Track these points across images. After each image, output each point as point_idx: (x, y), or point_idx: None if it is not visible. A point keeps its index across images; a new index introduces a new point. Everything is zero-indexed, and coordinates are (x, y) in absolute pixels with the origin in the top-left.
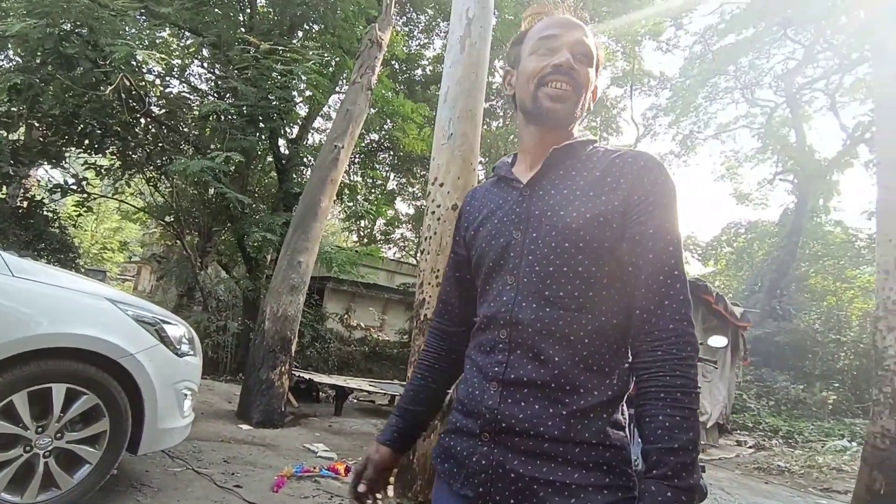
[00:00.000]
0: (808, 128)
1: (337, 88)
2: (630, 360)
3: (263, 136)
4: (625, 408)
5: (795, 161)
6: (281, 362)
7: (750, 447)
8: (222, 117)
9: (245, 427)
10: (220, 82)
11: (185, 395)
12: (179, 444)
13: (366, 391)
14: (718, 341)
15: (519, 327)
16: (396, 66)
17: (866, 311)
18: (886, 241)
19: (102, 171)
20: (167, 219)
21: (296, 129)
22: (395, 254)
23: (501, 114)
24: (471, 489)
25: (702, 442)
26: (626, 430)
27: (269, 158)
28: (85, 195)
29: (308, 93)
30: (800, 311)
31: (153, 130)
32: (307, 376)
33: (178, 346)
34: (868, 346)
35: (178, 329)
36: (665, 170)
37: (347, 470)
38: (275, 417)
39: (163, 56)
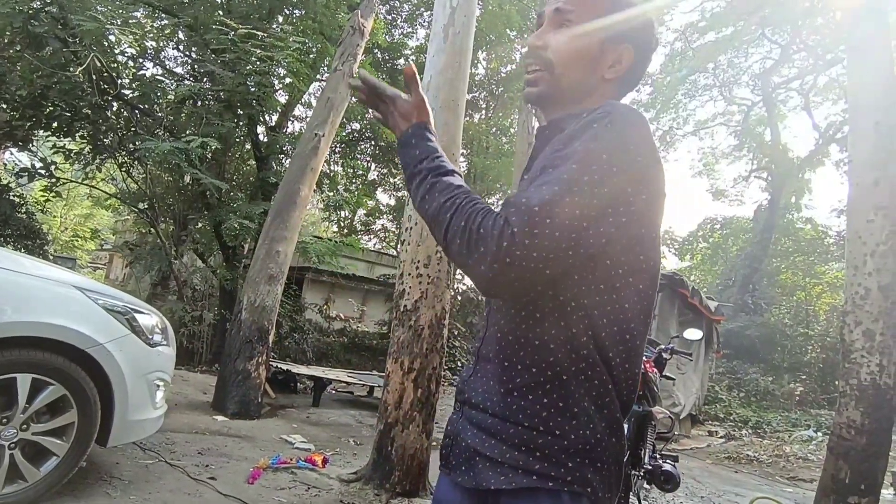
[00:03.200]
0: (783, 126)
1: (318, 76)
2: (598, 346)
3: (241, 123)
4: (597, 408)
5: (770, 159)
6: (258, 353)
7: (721, 437)
8: (199, 102)
9: (220, 418)
10: (196, 66)
11: (158, 385)
12: (152, 435)
13: (344, 382)
14: (694, 334)
15: (494, 305)
16: (379, 55)
17: (833, 305)
18: (856, 237)
19: (72, 155)
20: (140, 206)
21: (275, 117)
22: (375, 244)
23: (484, 106)
24: (441, 452)
25: (675, 432)
26: (602, 425)
27: (248, 146)
28: (53, 180)
29: (288, 80)
30: (771, 305)
31: (125, 114)
32: (285, 367)
33: (150, 336)
34: (834, 339)
35: (150, 318)
36: (610, 119)
37: (325, 461)
38: (251, 408)
39: (134, 32)
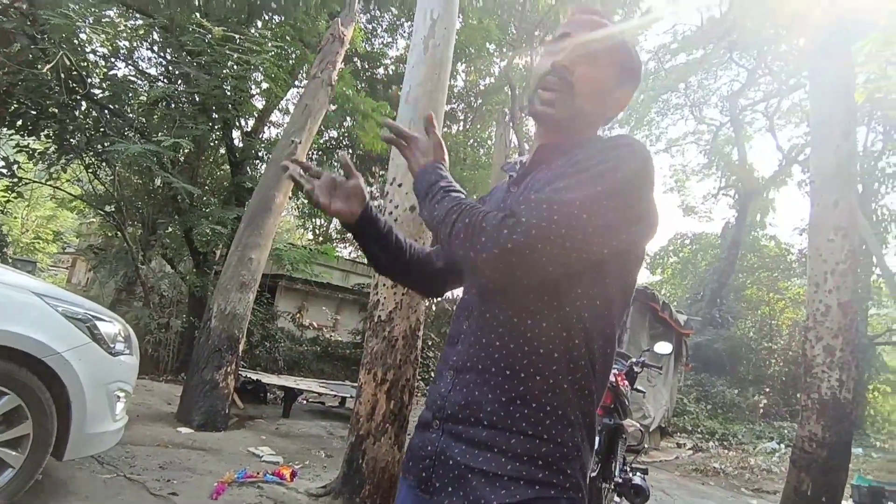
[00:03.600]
0: (749, 147)
1: (296, 82)
2: (591, 357)
3: (216, 127)
4: (582, 415)
5: (737, 178)
6: (227, 362)
7: (689, 449)
8: (172, 104)
9: (185, 430)
10: (171, 67)
11: (118, 396)
12: (111, 448)
13: (316, 392)
14: (664, 348)
15: (476, 315)
16: (358, 64)
17: (795, 320)
18: (817, 255)
19: (36, 154)
20: (107, 208)
21: (251, 122)
22: (350, 253)
23: (462, 118)
24: (414, 476)
25: (645, 445)
26: (584, 433)
27: (222, 150)
28: (15, 180)
29: (265, 85)
30: (737, 319)
31: (94, 114)
32: (255, 377)
33: (111, 345)
34: (796, 353)
35: (112, 326)
36: (632, 148)
37: (293, 475)
38: (218, 420)
39: (107, 31)
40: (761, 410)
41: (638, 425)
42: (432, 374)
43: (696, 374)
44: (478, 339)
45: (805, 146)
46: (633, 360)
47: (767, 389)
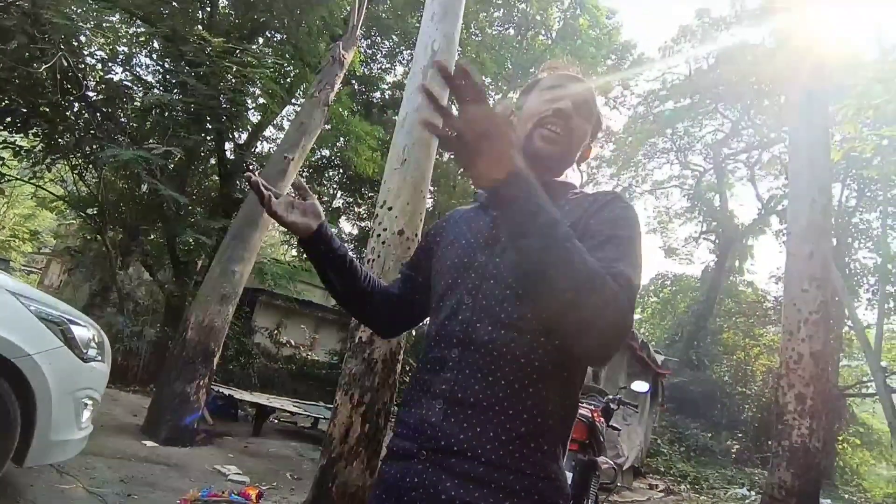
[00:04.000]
0: (731, 194)
1: (293, 100)
2: (577, 396)
3: (209, 137)
4: (564, 448)
5: (718, 223)
6: (200, 375)
7: (661, 491)
8: (166, 112)
9: (150, 444)
10: (168, 76)
11: (86, 404)
12: (72, 458)
13: (289, 412)
14: (641, 386)
15: (472, 347)
16: (356, 86)
17: (769, 367)
18: (791, 304)
19: (22, 152)
20: (89, 211)
21: (245, 136)
22: None
23: None
24: None
25: (618, 483)
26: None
27: (213, 161)
28: None
29: (262, 100)
30: (713, 362)
31: (86, 116)
32: (227, 392)
33: (84, 350)
34: (769, 400)
35: (87, 331)
36: (627, 203)
37: (259, 496)
38: (185, 435)
39: (107, 35)
40: (734, 455)
41: (612, 463)
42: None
43: (670, 415)
44: (479, 372)
45: (783, 197)
46: (610, 396)
47: (740, 434)
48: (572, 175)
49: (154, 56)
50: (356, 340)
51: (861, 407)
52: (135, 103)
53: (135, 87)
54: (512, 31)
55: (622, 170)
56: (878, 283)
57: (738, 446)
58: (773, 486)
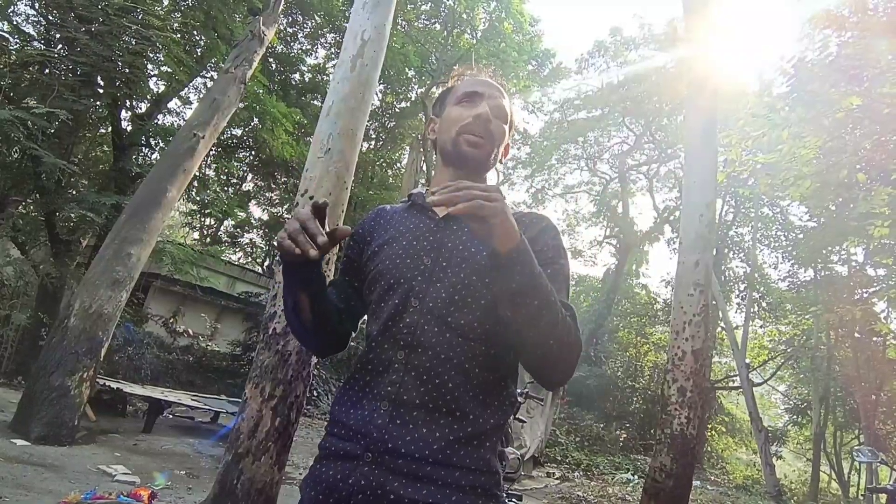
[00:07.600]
0: (632, 203)
1: (203, 72)
2: (513, 391)
3: (101, 103)
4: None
5: (620, 229)
6: (84, 367)
7: (557, 479)
8: (47, 69)
9: (21, 442)
10: (52, 30)
11: None
12: None
13: (186, 406)
14: None
15: (419, 350)
16: (274, 65)
17: (656, 363)
18: (679, 307)
19: None
20: None
21: (145, 106)
22: (239, 259)
23: (374, 136)
24: None
25: (520, 472)
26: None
27: (104, 130)
28: None
29: (166, 68)
30: (608, 358)
31: None
32: (115, 385)
33: None
34: (654, 393)
35: None
36: (557, 229)
37: (152, 496)
38: (63, 432)
39: None
40: (621, 444)
41: (517, 453)
42: (315, 394)
43: (569, 407)
44: (426, 374)
45: (676, 209)
46: (518, 390)
47: (628, 425)
48: (491, 174)
49: (37, 5)
50: (269, 332)
51: (728, 398)
52: (10, 56)
53: (11, 38)
54: (438, 27)
55: (536, 172)
56: (746, 290)
57: (625, 435)
58: (655, 469)
